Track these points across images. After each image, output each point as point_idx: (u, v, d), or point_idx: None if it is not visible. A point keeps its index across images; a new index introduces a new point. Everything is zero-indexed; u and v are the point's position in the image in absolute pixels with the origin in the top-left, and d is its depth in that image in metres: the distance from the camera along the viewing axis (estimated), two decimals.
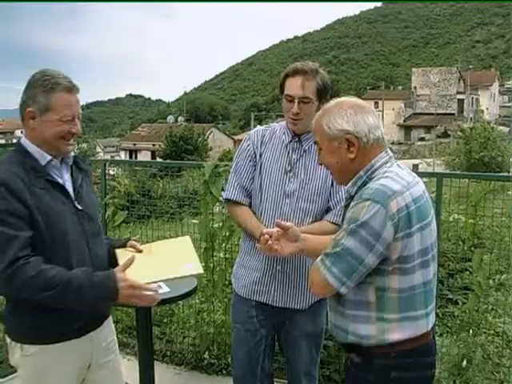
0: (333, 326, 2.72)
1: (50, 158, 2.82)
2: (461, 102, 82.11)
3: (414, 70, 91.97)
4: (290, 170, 3.46)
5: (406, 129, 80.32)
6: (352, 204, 2.49)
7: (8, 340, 2.88)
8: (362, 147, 2.55)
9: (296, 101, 3.37)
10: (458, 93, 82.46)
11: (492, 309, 4.81)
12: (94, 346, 3.00)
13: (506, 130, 54.25)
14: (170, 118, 75.15)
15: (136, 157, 67.24)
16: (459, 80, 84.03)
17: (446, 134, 64.68)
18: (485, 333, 4.71)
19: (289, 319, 3.55)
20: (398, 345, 2.53)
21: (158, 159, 52.72)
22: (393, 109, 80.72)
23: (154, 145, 65.22)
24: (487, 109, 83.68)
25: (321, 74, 3.42)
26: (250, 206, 3.56)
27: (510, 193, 5.46)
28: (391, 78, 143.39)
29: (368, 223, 2.39)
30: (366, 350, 2.58)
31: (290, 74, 3.41)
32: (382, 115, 79.11)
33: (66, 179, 2.91)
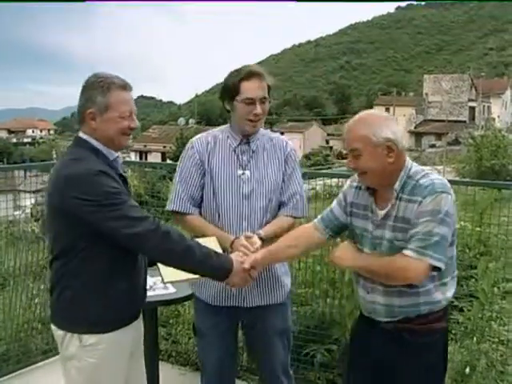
0: (396, 308, 3.01)
1: (116, 154, 3.03)
2: (472, 109, 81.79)
3: (425, 76, 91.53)
4: (243, 173, 3.54)
5: (417, 135, 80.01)
6: (419, 199, 2.85)
7: (60, 332, 2.95)
8: (399, 152, 2.93)
9: (257, 102, 3.45)
10: (470, 100, 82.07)
11: (497, 316, 4.81)
12: (137, 334, 3.18)
13: None
14: (181, 121, 75.44)
15: (146, 158, 67.39)
16: (471, 87, 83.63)
17: (457, 142, 64.59)
18: (489, 340, 4.69)
19: (260, 318, 3.59)
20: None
21: (169, 161, 52.78)
22: (404, 115, 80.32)
23: (164, 146, 65.46)
24: (499, 117, 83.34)
25: (266, 74, 3.53)
26: (200, 214, 3.62)
27: None
28: (403, 84, 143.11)
29: (449, 211, 2.84)
30: (423, 317, 3.00)
31: (246, 78, 3.44)
32: None
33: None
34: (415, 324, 3.00)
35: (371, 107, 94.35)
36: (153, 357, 4.25)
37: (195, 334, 3.81)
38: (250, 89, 3.44)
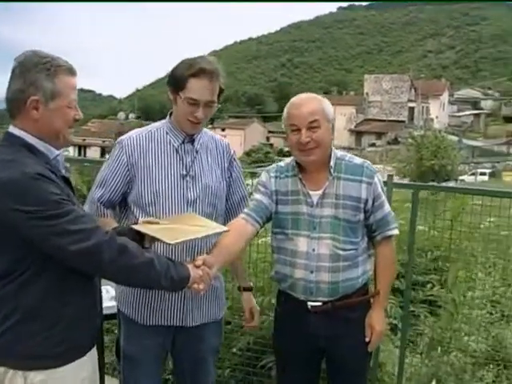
0: (340, 283, 3.10)
1: (57, 151, 2.54)
2: (411, 109, 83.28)
3: (366, 76, 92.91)
4: (187, 175, 3.14)
5: (357, 134, 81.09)
6: (363, 179, 3.10)
7: (0, 369, 2.40)
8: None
9: (201, 105, 3.04)
10: (409, 101, 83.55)
11: (462, 326, 4.63)
12: (95, 364, 2.69)
13: (455, 138, 55.14)
14: (121, 115, 74.69)
15: (85, 152, 66.38)
16: (411, 88, 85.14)
17: (396, 141, 65.60)
18: (457, 351, 4.52)
19: (197, 337, 3.24)
20: None
21: (108, 155, 52.29)
22: (344, 114, 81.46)
23: (104, 141, 64.52)
24: (437, 117, 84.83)
25: (221, 73, 3.09)
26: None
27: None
28: (344, 83, 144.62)
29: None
30: (360, 291, 3.19)
31: (195, 75, 2.99)
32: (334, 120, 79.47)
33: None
34: (353, 299, 3.14)
35: None
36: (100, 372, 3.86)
37: (119, 358, 3.36)
38: (196, 88, 3.00)
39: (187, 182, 3.14)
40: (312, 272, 3.08)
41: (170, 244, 2.69)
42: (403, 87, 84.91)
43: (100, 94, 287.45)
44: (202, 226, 2.87)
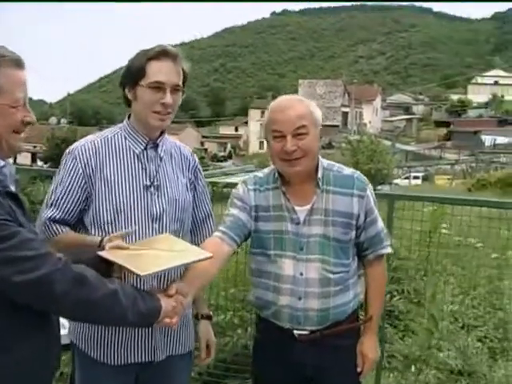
0: (330, 310, 2.74)
1: (2, 162, 2.05)
2: (345, 114, 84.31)
3: (300, 81, 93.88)
4: (151, 185, 2.67)
5: None
6: (354, 192, 2.73)
7: None
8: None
9: (168, 89, 2.57)
10: (343, 106, 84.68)
11: (439, 343, 4.38)
12: None
13: (388, 143, 55.93)
14: (53, 120, 73.02)
15: (15, 158, 64.51)
16: (344, 93, 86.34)
17: (330, 146, 66.01)
18: (431, 369, 4.25)
19: (166, 372, 2.75)
20: None
21: (39, 162, 51.16)
22: None
23: (34, 146, 62.85)
24: (370, 122, 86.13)
25: (183, 59, 2.65)
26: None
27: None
28: (277, 88, 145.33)
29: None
30: (351, 317, 2.84)
31: (155, 57, 2.56)
32: None
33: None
34: (344, 326, 2.79)
35: (246, 110, 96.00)
36: None
37: None
38: (159, 71, 2.55)
39: (151, 194, 2.66)
40: (300, 298, 2.71)
41: (140, 276, 2.20)
42: (337, 92, 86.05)
43: (30, 98, 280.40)
44: (179, 251, 2.40)
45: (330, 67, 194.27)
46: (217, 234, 2.70)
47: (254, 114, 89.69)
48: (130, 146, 2.68)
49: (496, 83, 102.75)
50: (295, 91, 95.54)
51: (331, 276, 2.71)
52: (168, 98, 2.57)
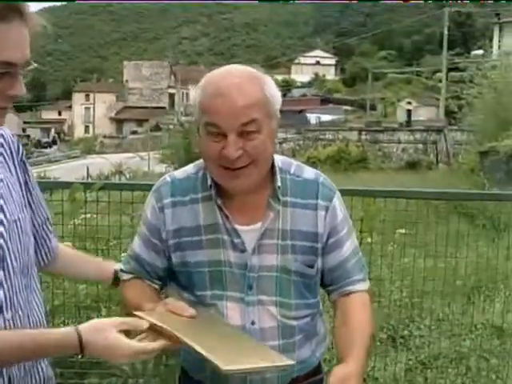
0: (294, 367, 1.83)
1: None
2: (172, 96, 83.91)
3: (125, 63, 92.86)
4: None
5: (118, 122, 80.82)
6: (319, 202, 1.90)
7: None
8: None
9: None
10: (169, 87, 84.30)
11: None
12: None
13: None
14: None
15: None
16: (170, 75, 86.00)
17: (158, 128, 65.35)
18: None
19: None
20: None
21: None
22: (104, 102, 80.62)
23: None
24: None
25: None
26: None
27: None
28: (101, 70, 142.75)
29: None
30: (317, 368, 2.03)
31: None
32: (94, 108, 77.99)
33: None
34: (303, 382, 1.96)
35: (70, 94, 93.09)
36: None
37: None
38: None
39: None
40: None
41: (221, 370, 1.50)
42: (163, 73, 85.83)
43: None
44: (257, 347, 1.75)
45: (154, 49, 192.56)
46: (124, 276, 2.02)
47: (78, 97, 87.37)
48: None
49: (318, 63, 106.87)
50: (120, 73, 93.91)
51: (294, 323, 1.92)
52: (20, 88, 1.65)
